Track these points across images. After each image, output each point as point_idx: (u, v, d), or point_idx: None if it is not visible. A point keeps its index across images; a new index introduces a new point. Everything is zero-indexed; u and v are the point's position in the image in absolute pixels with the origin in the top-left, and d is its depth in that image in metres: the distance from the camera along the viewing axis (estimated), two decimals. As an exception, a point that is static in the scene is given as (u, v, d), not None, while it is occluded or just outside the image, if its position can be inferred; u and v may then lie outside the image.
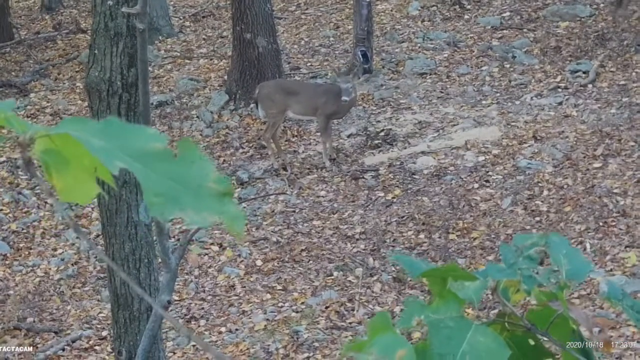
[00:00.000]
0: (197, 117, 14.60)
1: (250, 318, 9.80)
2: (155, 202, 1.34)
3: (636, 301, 1.90)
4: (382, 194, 11.82)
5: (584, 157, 11.69)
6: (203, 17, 20.12)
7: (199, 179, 1.39)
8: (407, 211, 11.30)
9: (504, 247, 1.90)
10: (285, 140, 13.61)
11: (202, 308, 10.14)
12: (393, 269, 10.23)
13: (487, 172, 11.87)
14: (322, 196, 12.02)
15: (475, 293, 1.76)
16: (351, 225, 11.24)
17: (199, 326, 9.80)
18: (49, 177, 1.50)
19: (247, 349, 9.37)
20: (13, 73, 17.94)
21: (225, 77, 15.52)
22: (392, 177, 12.17)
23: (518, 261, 1.87)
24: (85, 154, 1.44)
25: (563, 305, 1.84)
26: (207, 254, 11.04)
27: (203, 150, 13.21)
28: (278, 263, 10.72)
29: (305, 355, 9.20)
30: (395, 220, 11.17)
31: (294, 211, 11.78)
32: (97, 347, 9.82)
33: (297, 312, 9.79)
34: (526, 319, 1.84)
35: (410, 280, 9.96)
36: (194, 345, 9.42)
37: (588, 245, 9.96)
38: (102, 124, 1.44)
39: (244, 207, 11.92)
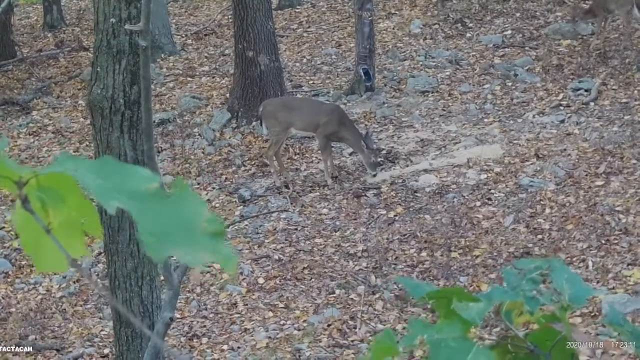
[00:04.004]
0: (200, 134, 14.60)
1: (252, 336, 9.78)
2: (150, 242, 1.36)
3: (636, 327, 1.91)
4: (384, 212, 11.81)
5: (586, 175, 11.69)
6: (205, 35, 20.16)
7: (192, 219, 1.41)
8: (409, 229, 11.29)
9: (507, 271, 1.92)
10: (288, 158, 13.61)
11: (204, 326, 10.12)
12: (395, 286, 10.20)
13: (490, 190, 11.86)
14: (324, 214, 12.01)
15: (479, 314, 1.76)
16: (353, 243, 11.22)
17: (201, 344, 9.78)
18: (45, 214, 1.52)
19: (249, 367, 9.35)
20: (15, 91, 17.97)
21: (228, 95, 15.53)
22: (394, 195, 12.17)
23: (521, 284, 1.88)
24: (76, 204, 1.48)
25: (566, 327, 1.84)
26: (209, 272, 11.01)
27: (205, 169, 13.24)
28: (280, 281, 10.70)
29: (307, 373, 9.19)
30: (398, 238, 11.15)
31: (296, 229, 11.77)
32: (98, 365, 9.80)
33: (299, 330, 9.77)
34: (529, 340, 1.84)
35: (413, 298, 9.93)
36: (195, 363, 9.40)
37: (590, 263, 9.94)
38: (97, 163, 1.46)
39: (246, 225, 11.92)
